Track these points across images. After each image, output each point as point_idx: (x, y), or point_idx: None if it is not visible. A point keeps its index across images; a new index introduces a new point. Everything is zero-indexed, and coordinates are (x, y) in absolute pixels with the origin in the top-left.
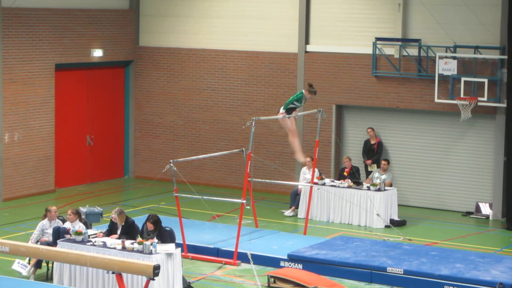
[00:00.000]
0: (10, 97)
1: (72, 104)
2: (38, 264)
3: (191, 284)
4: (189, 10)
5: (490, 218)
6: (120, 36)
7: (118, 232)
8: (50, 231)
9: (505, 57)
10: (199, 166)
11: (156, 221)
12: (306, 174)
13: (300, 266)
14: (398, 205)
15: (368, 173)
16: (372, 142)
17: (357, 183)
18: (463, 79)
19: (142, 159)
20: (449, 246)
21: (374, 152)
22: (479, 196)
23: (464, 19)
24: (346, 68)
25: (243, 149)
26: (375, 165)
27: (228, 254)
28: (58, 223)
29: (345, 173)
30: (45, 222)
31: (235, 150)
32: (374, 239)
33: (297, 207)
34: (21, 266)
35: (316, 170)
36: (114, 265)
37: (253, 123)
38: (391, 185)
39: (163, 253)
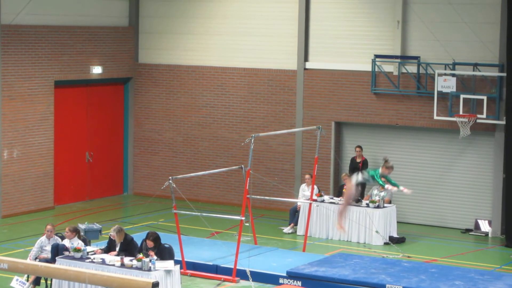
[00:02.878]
0: (9, 114)
1: (71, 121)
2: (36, 281)
3: None
4: (188, 27)
5: (489, 235)
6: (119, 53)
7: (117, 249)
8: (48, 248)
9: (504, 74)
10: (198, 183)
11: (156, 239)
12: (305, 191)
13: (299, 283)
14: (397, 222)
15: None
16: (358, 160)
17: (356, 200)
18: (462, 96)
19: (141, 176)
20: (448, 263)
21: (359, 170)
22: (478, 213)
23: (463, 37)
24: (345, 85)
25: (242, 166)
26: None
27: (227, 271)
28: (57, 240)
29: (344, 190)
30: (43, 239)
31: (234, 167)
32: (373, 256)
33: (296, 224)
34: (19, 283)
35: (315, 187)
36: (113, 282)
37: (252, 140)
38: (390, 202)
39: (162, 270)
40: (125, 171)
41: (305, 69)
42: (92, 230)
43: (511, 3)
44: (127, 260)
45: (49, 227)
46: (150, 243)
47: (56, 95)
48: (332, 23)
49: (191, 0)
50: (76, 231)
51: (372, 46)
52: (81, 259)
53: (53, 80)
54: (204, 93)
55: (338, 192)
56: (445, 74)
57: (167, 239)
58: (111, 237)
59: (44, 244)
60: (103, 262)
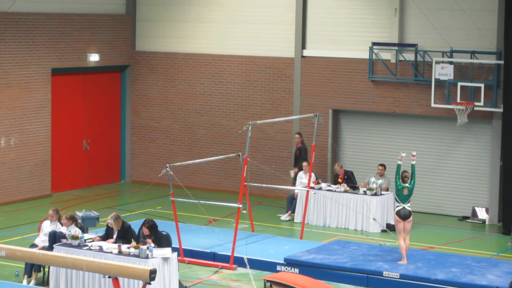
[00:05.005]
0: (6, 102)
1: (69, 109)
2: (38, 268)
3: None
4: (185, 15)
5: (487, 222)
6: (116, 41)
7: (114, 236)
8: (46, 230)
9: (502, 62)
10: (196, 171)
11: (152, 226)
12: (302, 178)
13: (297, 270)
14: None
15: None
16: (298, 147)
17: (353, 187)
18: (459, 84)
19: (139, 164)
20: (445, 251)
21: (297, 157)
22: (475, 201)
23: (461, 24)
24: (342, 73)
25: (240, 153)
26: (293, 171)
27: (224, 259)
28: (57, 225)
29: (339, 180)
30: (46, 223)
31: (231, 155)
32: (370, 243)
33: (293, 212)
34: None
35: (313, 174)
36: (111, 269)
37: (250, 128)
38: (387, 190)
39: (159, 257)
40: (123, 158)
41: (302, 56)
42: (90, 218)
43: None
44: (124, 247)
45: (50, 212)
46: (146, 231)
47: (53, 83)
48: (329, 11)
49: None
50: (72, 219)
51: (370, 34)
52: (79, 246)
53: (50, 67)
54: (201, 80)
55: (334, 181)
56: (443, 62)
57: (164, 226)
58: (109, 225)
59: (45, 226)
60: (100, 249)
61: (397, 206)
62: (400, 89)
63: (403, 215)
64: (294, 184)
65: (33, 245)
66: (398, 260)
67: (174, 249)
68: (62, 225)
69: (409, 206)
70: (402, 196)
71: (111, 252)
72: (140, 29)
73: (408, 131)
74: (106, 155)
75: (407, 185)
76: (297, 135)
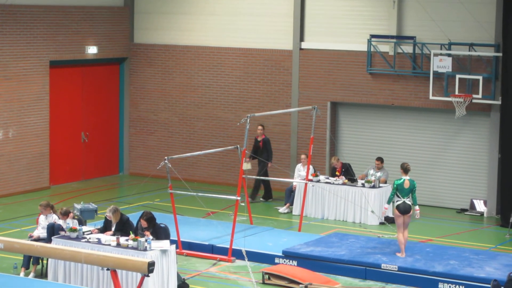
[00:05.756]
0: (4, 94)
1: (67, 101)
2: (36, 261)
3: (186, 281)
4: (184, 7)
5: (485, 215)
6: (114, 33)
7: (113, 229)
8: (43, 224)
9: (500, 54)
10: (194, 163)
11: (150, 218)
12: (300, 171)
13: (295, 262)
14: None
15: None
16: (259, 139)
17: (352, 180)
18: (457, 76)
19: (137, 156)
20: (443, 243)
21: (261, 149)
22: (473, 193)
23: (459, 17)
24: (341, 65)
25: (238, 146)
26: (249, 164)
27: (222, 251)
28: (53, 217)
29: (337, 173)
30: (42, 217)
31: (229, 147)
32: (368, 236)
33: (291, 204)
34: None
35: (311, 167)
36: (109, 261)
37: (248, 120)
38: (385, 182)
39: (157, 249)
40: (121, 151)
41: (300, 49)
42: (88, 210)
43: None
44: (122, 239)
45: (39, 207)
46: (144, 223)
47: (51, 75)
48: (327, 3)
49: None
50: (66, 214)
51: (368, 26)
52: (77, 239)
53: (48, 60)
54: (199, 73)
55: (332, 173)
56: (441, 54)
57: (162, 219)
58: (107, 218)
59: (41, 220)
60: (98, 242)
61: (397, 201)
62: (398, 81)
63: (403, 210)
64: (293, 177)
65: (30, 236)
66: (396, 252)
67: (172, 242)
68: (59, 218)
69: (409, 201)
70: (403, 191)
71: (109, 245)
72: (138, 22)
73: (406, 124)
74: (104, 147)
75: (407, 177)
76: (260, 127)
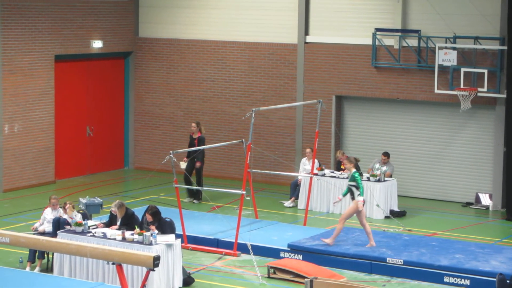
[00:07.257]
0: (10, 89)
1: (72, 95)
2: (42, 255)
3: (191, 275)
4: (188, 1)
5: (490, 208)
6: (119, 27)
7: (118, 223)
8: (49, 218)
9: (505, 47)
10: None
11: (155, 213)
12: (306, 165)
13: (300, 256)
14: (398, 195)
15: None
16: (194, 136)
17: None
18: (463, 69)
19: (142, 150)
20: (449, 237)
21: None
22: (479, 187)
23: (464, 10)
24: (346, 59)
25: (243, 140)
26: (186, 163)
27: (228, 245)
28: (59, 211)
29: (342, 166)
30: (48, 210)
31: (234, 141)
32: (374, 229)
33: (297, 198)
34: None
35: (316, 161)
36: (114, 256)
37: (253, 114)
38: (391, 176)
39: (163, 244)
40: (126, 145)
41: (305, 43)
42: (93, 204)
43: None
44: (128, 234)
45: (53, 200)
46: (149, 217)
47: (57, 70)
48: None
49: None
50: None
51: (373, 20)
52: (82, 233)
53: (54, 54)
54: (204, 67)
55: (338, 167)
56: (446, 48)
57: (168, 213)
58: (113, 212)
59: (47, 214)
60: (104, 236)
61: (359, 194)
62: (403, 75)
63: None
64: (298, 171)
65: (35, 230)
66: (366, 244)
67: (177, 236)
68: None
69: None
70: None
71: (114, 239)
72: (143, 16)
73: (411, 117)
74: (110, 141)
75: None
76: (193, 124)
